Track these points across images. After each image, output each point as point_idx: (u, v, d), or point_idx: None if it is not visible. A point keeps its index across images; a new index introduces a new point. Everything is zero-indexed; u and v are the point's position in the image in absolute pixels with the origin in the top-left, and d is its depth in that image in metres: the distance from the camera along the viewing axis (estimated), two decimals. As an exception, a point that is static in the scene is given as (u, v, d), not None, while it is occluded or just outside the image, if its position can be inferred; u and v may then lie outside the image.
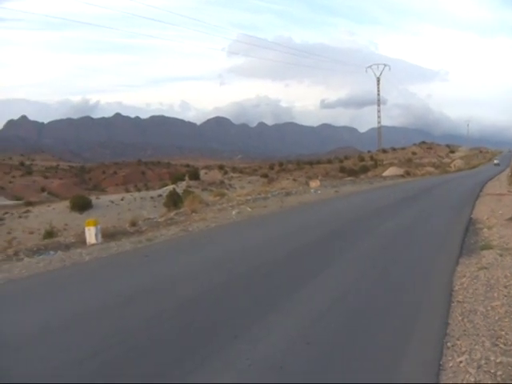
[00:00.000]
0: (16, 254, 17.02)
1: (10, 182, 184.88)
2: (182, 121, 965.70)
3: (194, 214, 25.80)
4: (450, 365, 6.54)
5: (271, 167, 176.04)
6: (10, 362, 6.89)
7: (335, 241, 16.73)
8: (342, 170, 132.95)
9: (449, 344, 7.19)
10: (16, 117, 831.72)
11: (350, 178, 74.69)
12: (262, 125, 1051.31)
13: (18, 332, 8.24)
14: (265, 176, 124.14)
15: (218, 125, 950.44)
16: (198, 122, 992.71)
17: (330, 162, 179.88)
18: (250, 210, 27.71)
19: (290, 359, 6.65)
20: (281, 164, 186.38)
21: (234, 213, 26.08)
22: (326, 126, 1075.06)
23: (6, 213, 78.02)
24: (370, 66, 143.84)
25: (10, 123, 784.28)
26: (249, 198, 34.73)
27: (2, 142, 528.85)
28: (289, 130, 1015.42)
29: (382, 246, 15.49)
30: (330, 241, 16.78)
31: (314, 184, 52.63)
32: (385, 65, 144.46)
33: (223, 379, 6.12)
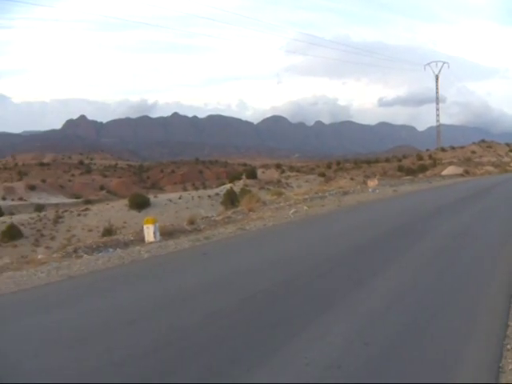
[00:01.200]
0: (75, 251, 17.30)
1: (70, 181, 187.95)
2: (239, 120, 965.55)
3: (251, 213, 25.88)
4: (510, 367, 6.41)
5: (328, 166, 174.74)
6: (71, 357, 7.00)
7: (394, 240, 16.58)
8: (400, 169, 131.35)
9: (509, 346, 7.04)
10: (75, 116, 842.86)
11: (408, 177, 73.94)
12: (319, 123, 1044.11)
13: (78, 328, 8.37)
14: (322, 175, 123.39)
15: (275, 124, 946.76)
16: (255, 121, 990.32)
17: (387, 160, 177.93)
18: (307, 209, 27.65)
19: (348, 359, 6.58)
20: (338, 163, 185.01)
21: (291, 212, 26.05)
22: (383, 125, 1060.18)
23: (66, 211, 79.50)
24: (429, 64, 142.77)
25: (69, 122, 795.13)
26: (306, 197, 34.68)
27: (62, 141, 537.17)
28: (346, 129, 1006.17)
29: (441, 246, 15.28)
30: (389, 240, 16.64)
31: (371, 183, 52.31)
32: (444, 62, 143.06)
33: (281, 378, 6.09)
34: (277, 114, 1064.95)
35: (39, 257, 17.18)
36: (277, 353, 6.79)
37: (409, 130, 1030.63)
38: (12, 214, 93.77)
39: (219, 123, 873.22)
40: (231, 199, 52.43)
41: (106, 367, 6.56)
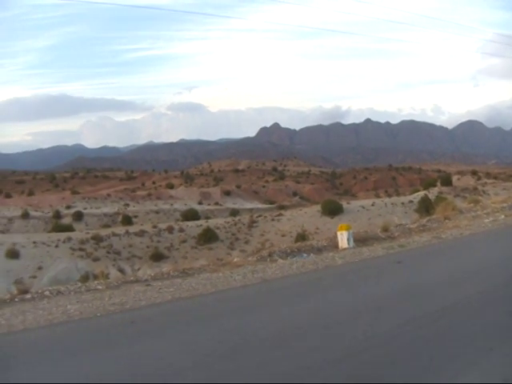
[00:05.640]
0: (270, 255, 17.61)
1: (263, 187, 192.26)
2: (432, 125, 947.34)
3: (446, 221, 25.21)
4: None
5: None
6: (264, 359, 7.10)
7: None
8: None
9: None
10: (269, 124, 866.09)
11: None
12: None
13: (272, 330, 8.50)
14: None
15: (470, 128, 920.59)
16: (450, 126, 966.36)
17: None
18: (505, 217, 26.56)
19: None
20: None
21: (488, 220, 25.15)
22: None
23: (260, 216, 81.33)
24: None
25: (263, 130, 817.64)
26: (504, 205, 33.28)
27: (256, 148, 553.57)
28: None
29: None
30: None
31: None
32: None
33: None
34: (472, 118, 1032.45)
35: (235, 260, 17.66)
36: (473, 367, 6.58)
37: None
38: (208, 217, 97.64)
39: (412, 128, 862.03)
40: (426, 207, 51.29)
41: (298, 370, 6.67)
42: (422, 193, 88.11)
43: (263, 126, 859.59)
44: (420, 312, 9.09)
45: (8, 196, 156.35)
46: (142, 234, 70.80)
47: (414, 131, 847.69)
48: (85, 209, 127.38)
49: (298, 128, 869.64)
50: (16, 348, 8.72)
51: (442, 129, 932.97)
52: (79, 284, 14.37)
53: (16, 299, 12.45)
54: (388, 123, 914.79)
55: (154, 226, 76.14)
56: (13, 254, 56.45)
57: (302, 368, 6.71)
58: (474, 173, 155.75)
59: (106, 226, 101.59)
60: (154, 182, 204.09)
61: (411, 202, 78.80)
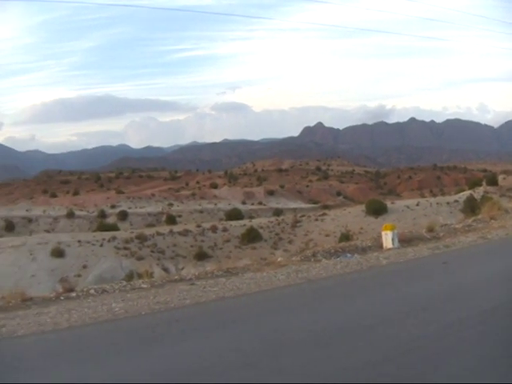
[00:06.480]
0: (314, 255, 17.57)
1: (307, 186, 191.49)
2: (477, 124, 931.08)
3: (492, 221, 24.87)
4: None
5: None
6: (308, 359, 7.06)
7: None
8: None
9: None
10: (312, 123, 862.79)
11: None
12: None
13: (319, 330, 8.46)
14: None
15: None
16: (496, 125, 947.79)
17: None
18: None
19: None
20: None
21: (534, 220, 24.75)
22: None
23: (303, 215, 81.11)
24: None
25: (307, 130, 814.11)
26: (552, 205, 32.77)
27: (299, 147, 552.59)
28: None
29: None
30: None
31: None
32: None
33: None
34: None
35: (279, 259, 17.68)
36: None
37: None
38: (251, 217, 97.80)
39: (457, 127, 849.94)
40: (471, 206, 50.69)
41: (341, 371, 6.63)
42: (467, 192, 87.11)
43: (307, 125, 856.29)
44: (466, 313, 8.98)
45: (54, 196, 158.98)
46: (185, 233, 71.18)
47: (459, 130, 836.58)
48: (129, 208, 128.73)
49: (341, 127, 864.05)
50: (61, 346, 8.83)
51: (487, 127, 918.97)
52: (124, 283, 14.52)
53: (61, 297, 12.64)
54: (433, 122, 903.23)
55: (198, 226, 76.47)
56: (58, 253, 57.33)
57: (345, 369, 6.68)
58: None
59: (151, 225, 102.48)
60: (197, 182, 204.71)
61: (456, 201, 77.92)
